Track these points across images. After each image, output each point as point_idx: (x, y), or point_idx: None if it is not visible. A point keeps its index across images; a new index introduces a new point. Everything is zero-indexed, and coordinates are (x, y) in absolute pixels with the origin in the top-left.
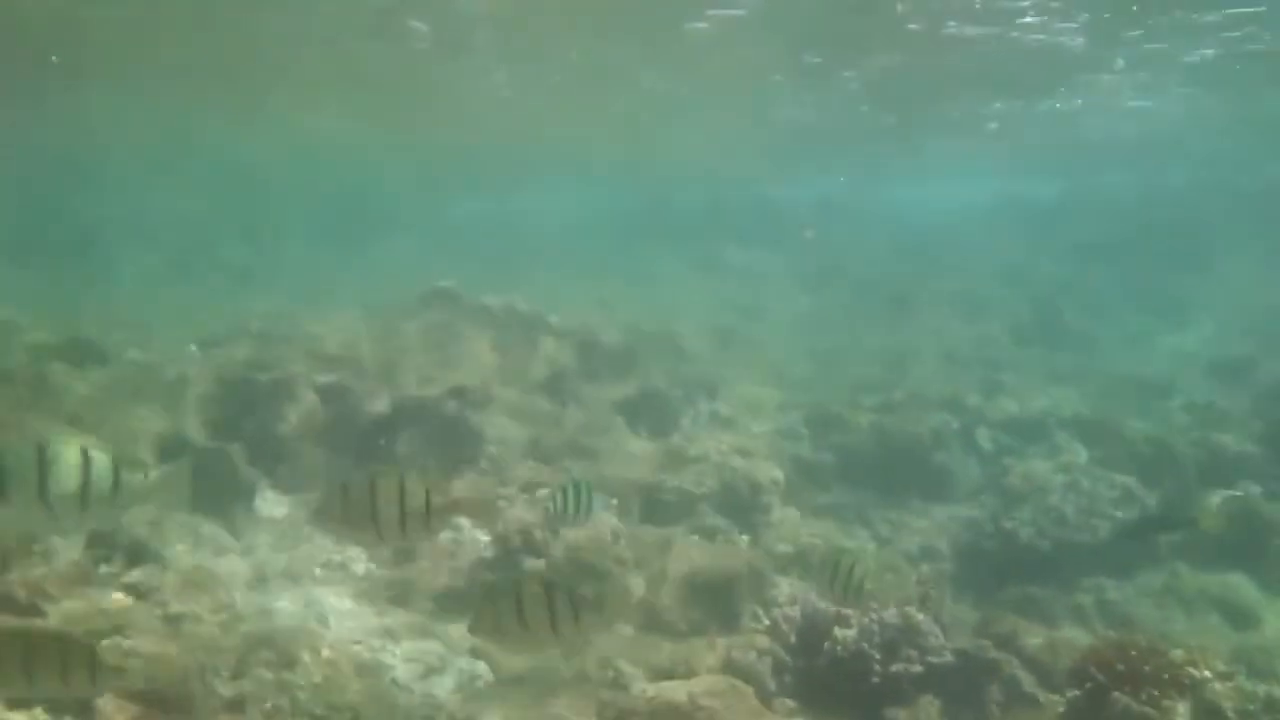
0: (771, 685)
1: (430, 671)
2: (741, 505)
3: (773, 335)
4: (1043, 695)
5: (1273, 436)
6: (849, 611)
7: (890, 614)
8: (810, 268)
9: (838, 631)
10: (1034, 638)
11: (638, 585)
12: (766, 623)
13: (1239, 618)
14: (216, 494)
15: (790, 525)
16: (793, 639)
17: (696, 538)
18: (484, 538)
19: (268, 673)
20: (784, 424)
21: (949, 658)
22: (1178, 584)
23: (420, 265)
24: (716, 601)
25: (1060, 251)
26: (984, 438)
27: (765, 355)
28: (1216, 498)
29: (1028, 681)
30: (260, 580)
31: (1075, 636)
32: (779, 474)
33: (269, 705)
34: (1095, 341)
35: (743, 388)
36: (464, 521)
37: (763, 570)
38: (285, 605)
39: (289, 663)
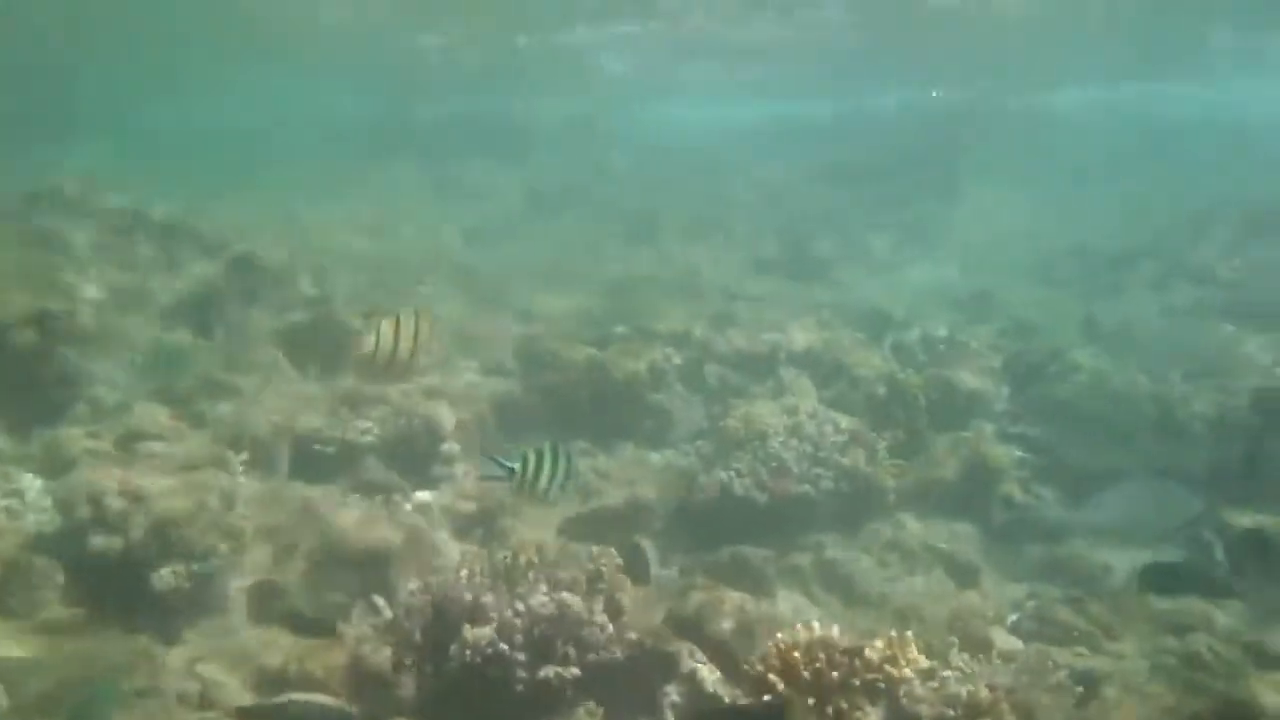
0: (402, 693)
1: None
2: (419, 456)
3: (499, 260)
4: (728, 695)
5: (1013, 375)
6: (487, 601)
7: (540, 601)
8: (553, 189)
9: (469, 631)
10: (727, 620)
11: (261, 560)
12: (388, 615)
13: (962, 573)
14: None
15: (477, 479)
16: (417, 636)
17: (358, 496)
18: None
19: None
20: (492, 359)
21: (618, 653)
22: (902, 537)
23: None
24: (365, 580)
25: (817, 176)
26: (711, 374)
27: (485, 281)
28: (947, 439)
29: (711, 679)
30: None
31: (781, 612)
32: (463, 416)
33: None
34: (842, 271)
35: (453, 316)
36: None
37: (431, 537)
38: None
39: None
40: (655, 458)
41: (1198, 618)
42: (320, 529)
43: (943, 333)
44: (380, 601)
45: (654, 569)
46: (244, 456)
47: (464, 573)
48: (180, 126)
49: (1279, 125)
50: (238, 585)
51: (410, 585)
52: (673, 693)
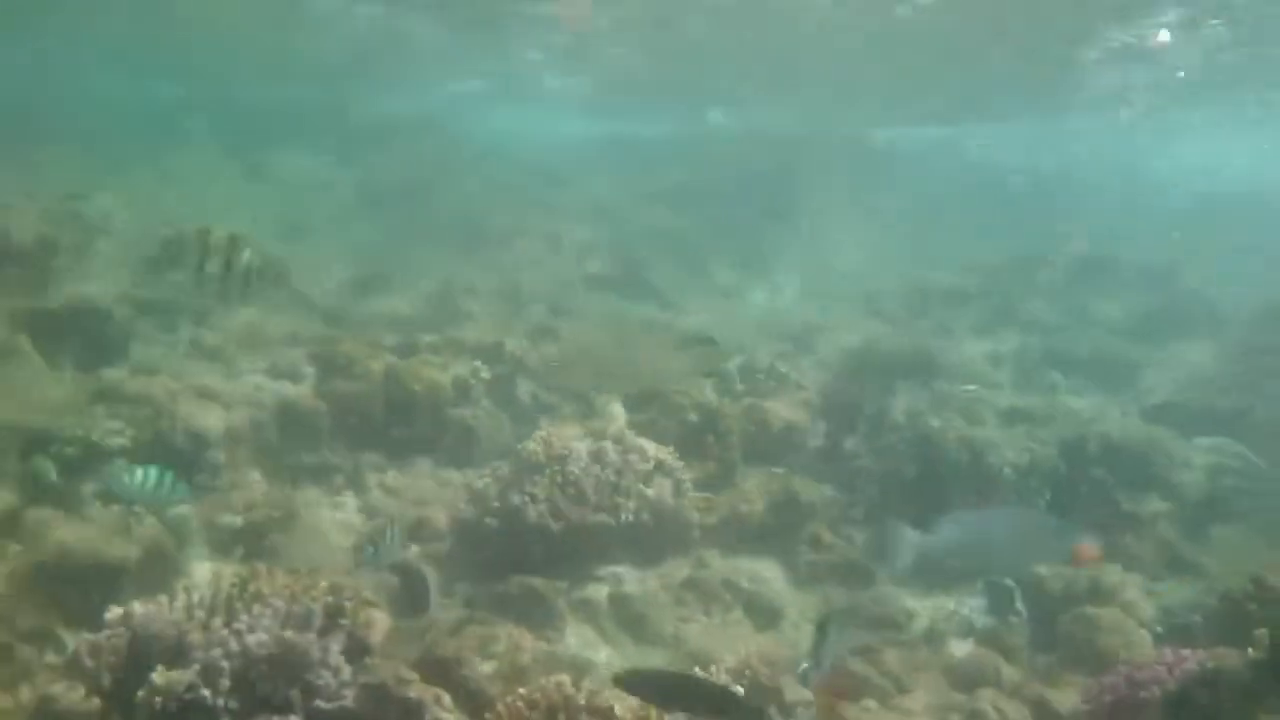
0: None
1: None
2: (179, 462)
3: (313, 256)
4: None
5: (828, 409)
6: (193, 638)
7: (260, 640)
8: (384, 187)
9: (160, 676)
10: (488, 662)
11: None
12: (72, 651)
13: (762, 615)
14: None
15: (247, 491)
16: (106, 681)
17: (98, 505)
18: None
19: None
20: (283, 362)
21: (350, 701)
22: (704, 574)
23: None
24: (83, 602)
25: (656, 196)
26: (523, 391)
27: (293, 279)
28: (760, 475)
29: None
30: None
31: (560, 652)
32: (240, 422)
33: None
34: (674, 292)
35: (247, 315)
36: None
37: (172, 553)
38: None
39: None
40: (455, 476)
41: (988, 671)
42: (36, 542)
43: (764, 362)
44: (63, 633)
45: (434, 597)
46: None
47: (176, 603)
48: None
49: (1112, 169)
50: None
51: (107, 615)
52: None
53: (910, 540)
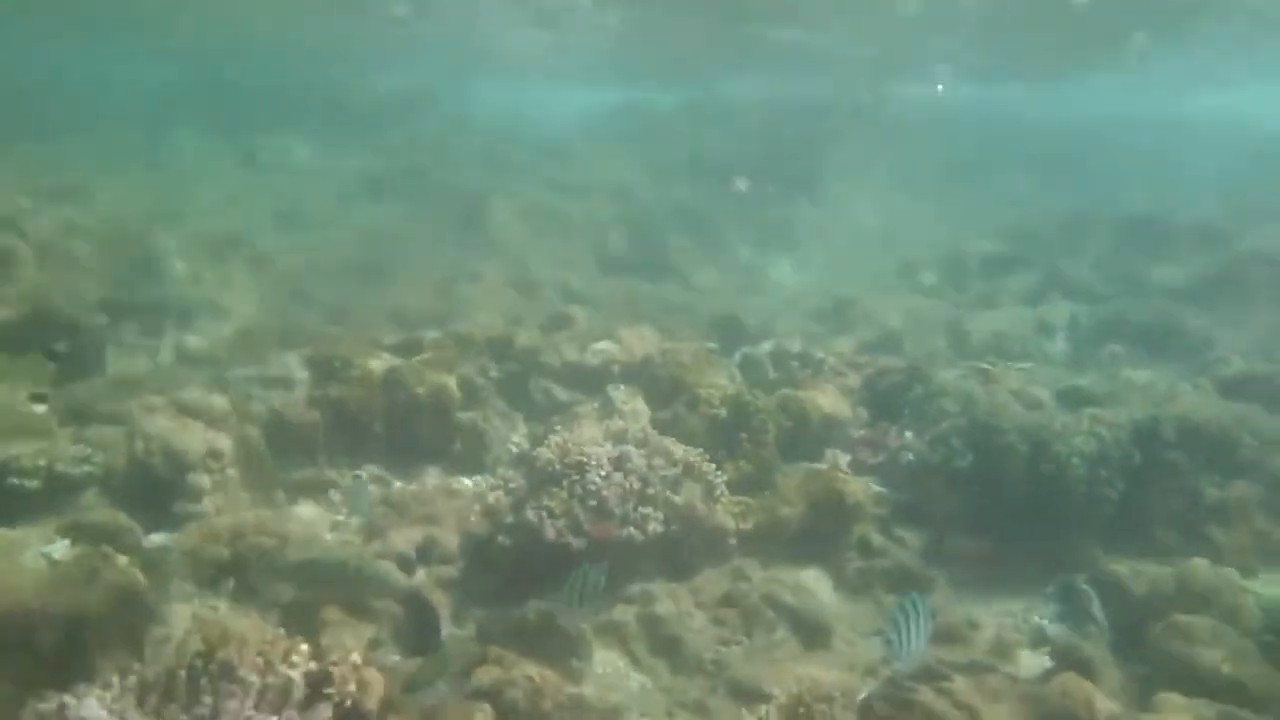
0: None
1: None
2: (158, 489)
3: (307, 248)
4: None
5: (872, 398)
6: None
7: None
8: (386, 171)
9: None
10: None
11: None
12: None
13: (810, 632)
14: None
15: (235, 516)
16: None
17: (59, 544)
18: None
19: None
20: (275, 367)
21: None
22: (743, 589)
23: None
24: (37, 662)
25: (673, 168)
26: (536, 389)
27: (286, 276)
28: (798, 473)
29: None
30: None
31: (587, 696)
32: (226, 442)
33: None
34: (697, 272)
35: (238, 316)
36: None
37: (145, 597)
38: None
39: None
40: (466, 485)
41: (1078, 701)
42: None
43: (797, 348)
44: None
45: (446, 629)
46: None
47: (126, 683)
48: None
49: (1146, 126)
50: None
51: (39, 706)
52: None
53: None
